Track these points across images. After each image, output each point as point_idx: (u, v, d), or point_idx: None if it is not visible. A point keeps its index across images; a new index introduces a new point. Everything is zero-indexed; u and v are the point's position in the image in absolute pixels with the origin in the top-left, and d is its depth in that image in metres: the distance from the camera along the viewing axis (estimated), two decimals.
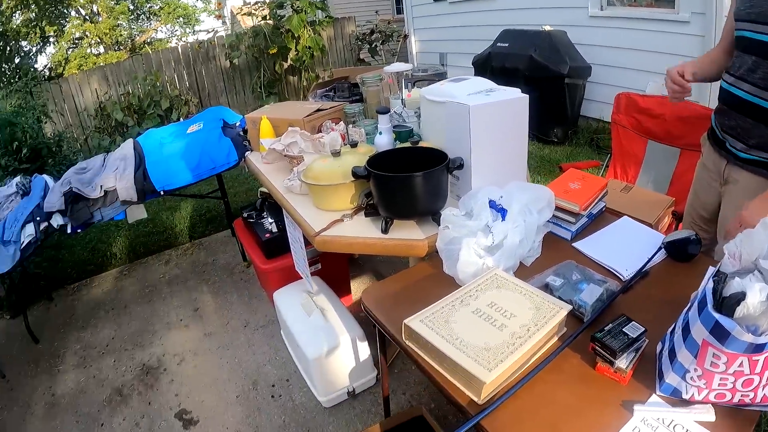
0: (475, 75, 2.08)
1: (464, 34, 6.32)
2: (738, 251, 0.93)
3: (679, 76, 1.55)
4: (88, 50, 14.89)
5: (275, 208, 2.70)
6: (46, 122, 5.60)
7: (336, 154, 1.83)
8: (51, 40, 15.04)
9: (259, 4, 7.09)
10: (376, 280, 3.00)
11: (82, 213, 2.68)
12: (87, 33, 14.68)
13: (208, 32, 10.44)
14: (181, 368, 2.56)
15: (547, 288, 1.28)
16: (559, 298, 1.22)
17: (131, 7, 15.78)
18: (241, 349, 2.61)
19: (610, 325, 1.06)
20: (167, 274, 3.54)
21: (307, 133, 2.18)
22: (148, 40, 16.36)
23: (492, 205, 1.45)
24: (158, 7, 17.04)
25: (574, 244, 1.52)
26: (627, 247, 1.47)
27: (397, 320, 1.25)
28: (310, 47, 6.80)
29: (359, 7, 10.77)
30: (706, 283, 0.90)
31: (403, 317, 1.20)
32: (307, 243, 2.01)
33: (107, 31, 14.39)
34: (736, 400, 0.91)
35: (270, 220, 2.65)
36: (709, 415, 0.93)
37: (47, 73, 13.85)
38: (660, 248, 1.42)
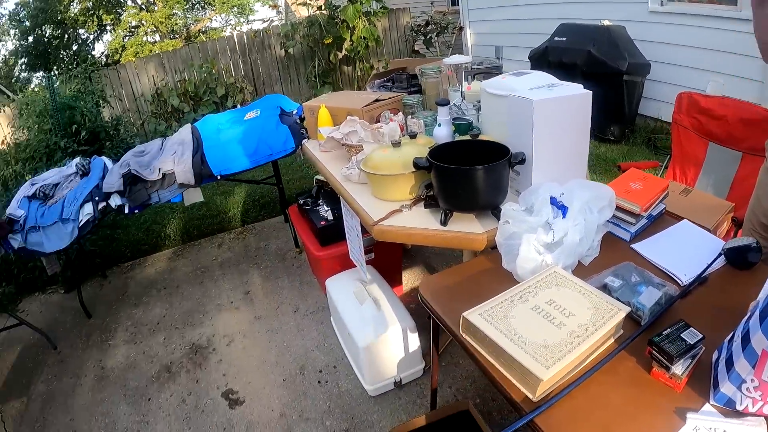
0: (531, 69, 2.03)
1: (520, 27, 6.20)
2: None
3: None
4: (144, 38, 15.33)
5: (331, 196, 2.72)
6: (104, 107, 5.80)
7: (396, 144, 1.83)
8: (108, 28, 15.59)
9: None
10: (426, 271, 2.98)
11: (140, 194, 2.77)
12: (143, 21, 15.11)
13: (264, 21, 10.59)
14: (230, 349, 2.62)
15: (605, 288, 1.26)
16: (617, 299, 1.20)
17: None
18: (290, 334, 2.64)
19: (669, 329, 1.05)
20: (219, 257, 3.62)
21: (366, 123, 2.18)
22: (203, 29, 16.72)
23: (553, 201, 1.43)
24: None
25: (632, 246, 1.50)
26: (686, 251, 1.44)
27: (453, 312, 1.26)
28: (364, 38, 6.84)
29: None
30: None
31: (460, 310, 1.20)
32: (364, 232, 2.02)
33: (163, 20, 14.77)
34: None
35: (326, 207, 2.66)
36: (761, 428, 0.91)
37: (104, 60, 14.40)
38: (720, 254, 1.38)
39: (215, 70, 6.96)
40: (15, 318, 2.89)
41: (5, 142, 4.97)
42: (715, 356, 1.03)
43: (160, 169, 2.76)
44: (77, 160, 3.16)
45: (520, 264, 1.35)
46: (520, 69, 1.94)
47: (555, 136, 1.61)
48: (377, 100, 2.39)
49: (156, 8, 15.00)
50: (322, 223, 2.57)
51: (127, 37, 15.47)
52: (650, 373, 1.04)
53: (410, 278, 2.94)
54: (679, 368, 0.98)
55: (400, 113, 2.35)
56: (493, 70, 2.48)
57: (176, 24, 15.56)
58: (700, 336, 1.02)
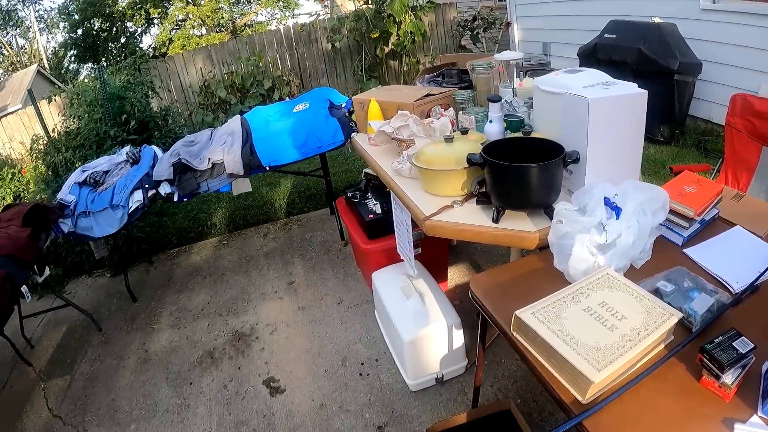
0: (580, 66, 1.99)
1: (569, 23, 6.08)
2: None
3: None
4: (191, 31, 15.70)
5: (379, 190, 2.73)
6: (153, 97, 5.95)
7: (449, 139, 1.82)
8: (155, 21, 16.02)
9: None
10: (472, 268, 2.96)
11: (189, 183, 2.83)
12: (190, 15, 15.48)
13: (310, 15, 10.69)
14: (273, 338, 2.66)
15: (657, 293, 1.24)
16: (669, 304, 1.18)
17: None
18: (333, 326, 2.66)
19: (720, 337, 1.03)
20: (264, 247, 3.67)
21: (418, 118, 2.17)
22: (249, 23, 17.01)
23: (607, 202, 1.41)
24: None
25: (684, 250, 1.47)
26: (738, 258, 1.41)
27: (504, 311, 1.26)
28: (411, 32, 6.84)
29: None
30: None
31: (510, 308, 1.20)
32: (414, 226, 2.02)
33: (209, 13, 15.11)
34: None
35: (374, 201, 2.66)
36: None
37: (151, 53, 14.80)
38: None
39: (262, 63, 7.06)
40: (62, 299, 3.00)
41: (56, 130, 5.15)
42: (765, 367, 1.02)
43: (209, 158, 2.82)
44: (128, 148, 3.25)
45: (573, 264, 1.34)
46: (568, 66, 1.91)
47: (609, 135, 1.58)
48: (428, 95, 2.38)
49: (202, 2, 15.34)
50: (371, 216, 2.57)
51: (174, 31, 15.89)
52: (699, 381, 1.03)
53: (455, 275, 2.92)
54: (729, 377, 0.97)
55: (451, 108, 2.33)
56: (541, 67, 2.45)
57: (222, 18, 15.87)
58: (752, 345, 1.00)
